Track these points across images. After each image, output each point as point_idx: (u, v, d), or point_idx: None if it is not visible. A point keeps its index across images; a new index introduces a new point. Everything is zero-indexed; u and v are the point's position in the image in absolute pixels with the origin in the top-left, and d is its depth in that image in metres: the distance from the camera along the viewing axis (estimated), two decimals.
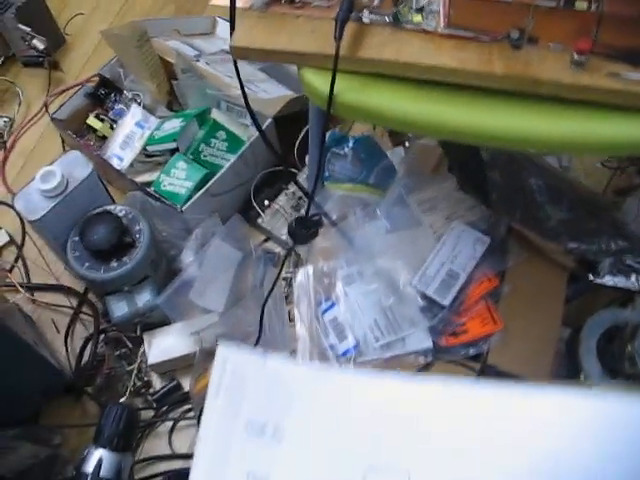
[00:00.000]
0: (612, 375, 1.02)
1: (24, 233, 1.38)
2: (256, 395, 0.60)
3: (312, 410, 0.59)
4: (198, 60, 1.39)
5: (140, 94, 1.39)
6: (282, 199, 1.32)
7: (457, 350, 1.08)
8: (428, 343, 1.06)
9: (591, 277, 1.13)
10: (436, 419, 0.59)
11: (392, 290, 1.07)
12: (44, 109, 1.50)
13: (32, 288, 1.33)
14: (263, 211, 1.32)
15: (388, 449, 0.58)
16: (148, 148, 1.31)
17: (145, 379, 1.21)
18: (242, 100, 0.96)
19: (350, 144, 1.17)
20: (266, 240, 1.32)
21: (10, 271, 1.35)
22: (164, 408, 1.19)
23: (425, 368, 1.03)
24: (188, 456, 1.12)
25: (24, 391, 1.15)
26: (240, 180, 1.30)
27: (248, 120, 1.33)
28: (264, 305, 1.05)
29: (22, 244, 1.37)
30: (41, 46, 1.53)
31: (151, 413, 1.19)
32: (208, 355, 1.09)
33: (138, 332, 1.20)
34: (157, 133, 1.32)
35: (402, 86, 0.83)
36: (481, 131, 0.81)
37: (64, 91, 1.50)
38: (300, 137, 1.32)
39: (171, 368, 1.21)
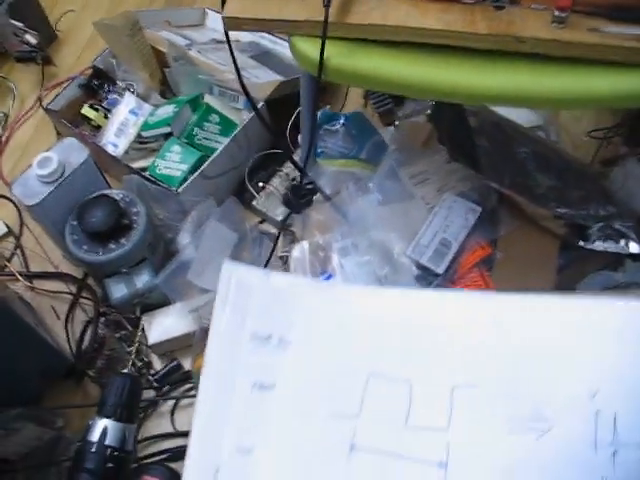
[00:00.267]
0: None
1: (22, 223, 1.39)
2: (261, 308, 0.62)
3: (316, 321, 0.61)
4: (190, 49, 1.41)
5: (133, 83, 1.41)
6: (276, 181, 1.34)
7: None
8: None
9: (581, 243, 1.15)
10: (436, 328, 0.61)
11: (386, 260, 1.09)
12: (38, 103, 1.52)
13: (31, 276, 1.34)
14: (258, 193, 1.34)
15: (390, 358, 0.60)
16: (143, 134, 1.33)
17: (146, 360, 1.22)
18: (234, 84, 0.99)
19: (341, 121, 1.19)
20: (261, 222, 1.34)
21: (9, 260, 1.36)
22: (165, 388, 1.20)
23: None
24: None
25: (26, 374, 1.16)
26: (234, 163, 1.32)
27: (241, 104, 1.35)
28: None
29: (20, 234, 1.39)
30: (33, 41, 1.55)
31: (152, 393, 1.20)
32: (207, 333, 1.10)
33: (137, 314, 1.21)
34: (151, 119, 1.34)
35: (389, 50, 0.86)
36: (467, 90, 0.83)
37: (58, 85, 1.52)
38: (292, 120, 1.33)
39: (171, 348, 1.22)
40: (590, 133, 1.25)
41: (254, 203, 1.33)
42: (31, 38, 1.55)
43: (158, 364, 1.24)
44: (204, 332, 1.16)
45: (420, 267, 1.10)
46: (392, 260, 1.09)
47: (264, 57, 1.44)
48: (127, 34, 1.36)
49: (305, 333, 0.61)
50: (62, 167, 1.19)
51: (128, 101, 1.37)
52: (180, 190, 1.23)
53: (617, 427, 0.56)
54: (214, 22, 1.56)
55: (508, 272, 1.12)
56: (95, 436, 0.94)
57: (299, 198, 1.07)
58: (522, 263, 1.12)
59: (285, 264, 1.23)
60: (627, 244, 1.14)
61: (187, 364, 1.21)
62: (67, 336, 1.28)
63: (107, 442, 0.93)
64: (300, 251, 1.13)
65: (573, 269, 1.17)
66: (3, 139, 1.53)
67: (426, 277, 1.09)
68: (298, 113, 1.26)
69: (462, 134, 1.07)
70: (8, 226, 1.41)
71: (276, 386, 0.60)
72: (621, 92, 0.81)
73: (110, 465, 0.93)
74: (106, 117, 1.41)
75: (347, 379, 0.60)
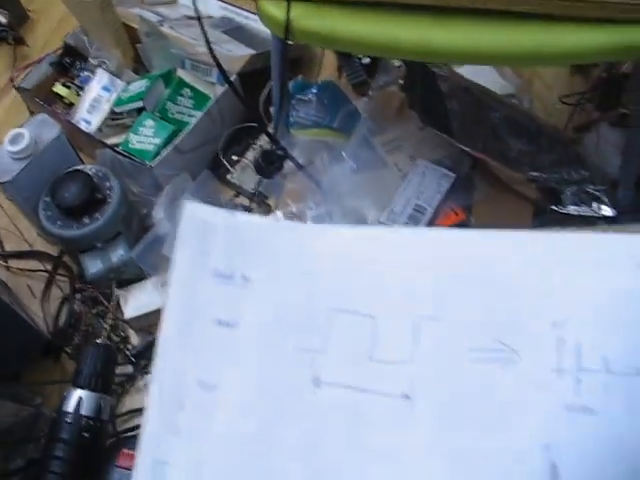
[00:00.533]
0: None
1: None
2: (223, 246, 0.62)
3: (279, 258, 0.61)
4: (162, 24, 1.40)
5: (105, 61, 1.40)
6: (250, 154, 1.34)
7: None
8: None
9: (555, 207, 1.15)
10: (400, 264, 0.61)
11: None
12: (10, 83, 1.50)
13: (6, 256, 1.33)
14: (232, 167, 1.33)
15: (354, 294, 0.60)
16: (115, 109, 1.33)
17: (123, 335, 1.22)
18: (207, 58, 0.98)
19: (314, 90, 1.19)
20: (236, 195, 1.33)
21: None
22: (143, 362, 1.20)
23: None
24: None
25: (3, 352, 1.15)
26: (208, 137, 1.32)
27: (213, 78, 1.34)
28: None
29: None
30: (4, 20, 1.54)
31: (130, 368, 1.20)
32: None
33: (113, 289, 1.21)
34: (123, 94, 1.33)
35: (355, 10, 0.86)
36: (431, 47, 0.83)
37: (30, 65, 1.50)
38: (265, 93, 1.33)
39: (148, 323, 1.22)
40: (562, 99, 1.26)
41: (229, 177, 1.33)
42: (1, 17, 1.54)
43: (136, 339, 1.23)
44: None
45: None
46: None
47: (237, 32, 1.43)
48: (98, 10, 1.34)
49: (268, 270, 0.61)
50: (34, 143, 1.18)
51: (100, 78, 1.36)
52: (154, 164, 1.23)
53: (581, 354, 0.57)
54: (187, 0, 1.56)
55: None
56: (70, 407, 0.94)
57: (270, 164, 1.07)
58: (496, 228, 1.12)
59: None
60: (600, 207, 1.15)
61: None
62: (44, 314, 1.28)
63: (82, 412, 0.93)
64: (275, 220, 1.13)
65: None
66: None
67: None
68: (271, 86, 1.25)
69: (433, 99, 1.08)
70: None
71: (239, 323, 0.60)
72: (584, 48, 0.81)
73: (86, 435, 0.93)
74: (78, 95, 1.40)
75: (311, 316, 0.60)
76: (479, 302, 0.59)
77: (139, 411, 1.18)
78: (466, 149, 1.10)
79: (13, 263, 1.34)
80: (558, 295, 0.59)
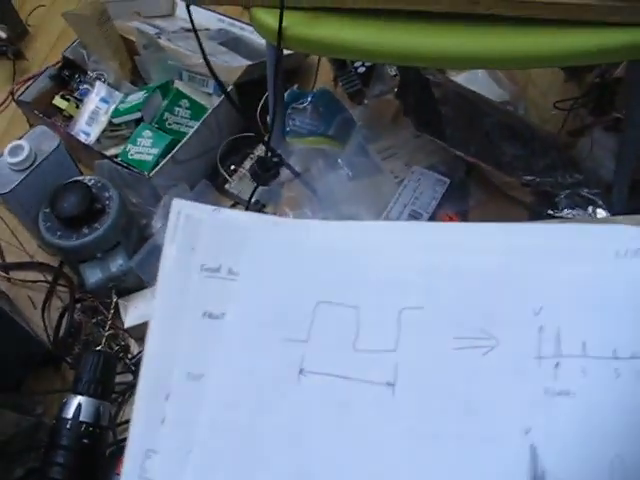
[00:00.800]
0: None
1: None
2: (209, 240, 0.63)
3: (264, 251, 0.62)
4: (159, 37, 1.42)
5: (104, 73, 1.42)
6: (248, 164, 1.35)
7: None
8: None
9: (550, 211, 1.16)
10: (384, 255, 0.62)
11: None
12: (10, 97, 1.52)
13: (6, 267, 1.34)
14: (230, 176, 1.34)
15: (338, 285, 0.61)
16: (114, 120, 1.34)
17: (123, 344, 1.22)
18: (204, 69, 1.00)
19: (309, 99, 1.20)
20: (234, 205, 1.34)
21: None
22: None
23: None
24: None
25: (4, 363, 1.16)
26: (205, 147, 1.33)
27: (210, 88, 1.36)
28: None
29: None
30: (3, 35, 1.56)
31: (130, 377, 1.21)
32: None
33: (113, 298, 1.22)
34: (122, 106, 1.35)
35: (347, 17, 0.87)
36: (422, 53, 0.84)
37: (30, 79, 1.52)
38: (262, 103, 1.34)
39: None
40: (556, 104, 1.27)
41: (227, 186, 1.34)
42: (1, 32, 1.55)
43: (136, 348, 1.24)
44: None
45: None
46: None
47: (233, 43, 1.45)
48: (96, 24, 1.36)
49: (254, 263, 0.62)
50: (33, 155, 1.20)
51: (99, 90, 1.38)
52: (152, 175, 1.24)
53: (560, 340, 0.58)
54: (184, 12, 1.56)
55: None
56: (69, 413, 0.95)
57: (265, 171, 1.08)
58: None
59: None
60: (594, 211, 1.16)
61: None
62: (44, 324, 1.29)
63: (82, 418, 0.94)
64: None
65: None
66: None
67: None
68: (267, 97, 1.27)
69: (427, 105, 1.09)
70: None
71: (226, 315, 0.61)
72: (573, 50, 0.82)
73: (85, 441, 0.93)
74: (78, 107, 1.42)
75: (295, 307, 0.61)
76: (462, 292, 0.61)
77: None
78: (460, 154, 1.11)
79: (14, 274, 1.35)
80: (538, 283, 0.60)
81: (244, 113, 1.27)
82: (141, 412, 0.60)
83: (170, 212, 0.62)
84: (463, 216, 1.16)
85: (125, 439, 1.08)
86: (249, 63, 1.36)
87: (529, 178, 1.12)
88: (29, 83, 1.47)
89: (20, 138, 1.21)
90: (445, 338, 0.60)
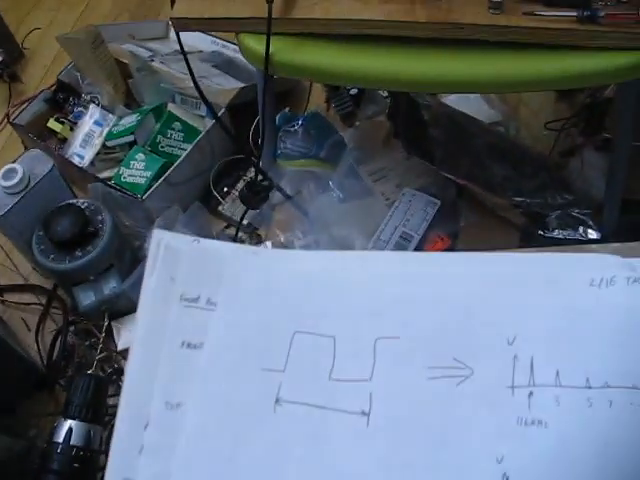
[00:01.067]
0: None
1: None
2: (189, 271, 0.64)
3: (242, 282, 0.63)
4: (152, 60, 1.43)
5: (98, 96, 1.42)
6: (241, 186, 1.35)
7: None
8: None
9: (541, 232, 1.17)
10: (360, 285, 0.63)
11: None
12: (5, 120, 1.53)
13: (1, 290, 1.35)
14: (223, 198, 1.35)
15: (315, 315, 0.62)
16: (107, 143, 1.35)
17: (116, 366, 1.22)
18: (196, 92, 1.01)
19: (300, 121, 1.21)
20: (227, 227, 1.35)
21: None
22: None
23: None
24: None
25: None
26: (198, 169, 1.33)
27: (203, 111, 1.37)
28: None
29: None
30: None
31: None
32: None
33: (106, 321, 1.22)
34: (115, 129, 1.36)
35: (334, 43, 0.88)
36: (408, 77, 0.85)
37: (25, 101, 1.53)
38: (254, 126, 1.35)
39: None
40: (547, 125, 1.27)
41: (220, 208, 1.35)
42: None
43: None
44: None
45: None
46: None
47: (227, 65, 1.46)
48: (90, 47, 1.37)
49: (232, 294, 0.63)
50: (27, 178, 1.20)
51: (92, 112, 1.39)
52: (145, 197, 1.25)
53: (533, 370, 0.59)
54: None
55: None
56: (60, 437, 0.95)
57: (255, 194, 1.09)
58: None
59: None
60: (585, 231, 1.16)
61: None
62: (38, 347, 1.29)
63: (72, 442, 0.94)
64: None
65: None
66: None
67: None
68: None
69: (417, 127, 1.10)
70: None
71: (204, 344, 0.62)
72: (559, 74, 0.83)
73: (76, 465, 0.93)
74: (72, 130, 1.42)
75: (272, 337, 0.62)
76: (436, 321, 0.61)
77: None
78: (450, 177, 1.11)
79: (8, 296, 1.35)
80: (512, 313, 0.61)
81: (236, 136, 1.28)
82: (120, 441, 0.60)
83: (150, 243, 0.63)
84: (454, 237, 1.16)
85: None
86: (242, 85, 1.37)
87: (519, 199, 1.12)
88: (24, 106, 1.48)
89: (14, 161, 1.22)
90: (419, 367, 0.60)
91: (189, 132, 1.34)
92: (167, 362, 0.62)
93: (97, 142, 1.37)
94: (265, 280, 0.64)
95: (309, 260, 0.66)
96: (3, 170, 1.19)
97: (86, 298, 1.22)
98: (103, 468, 1.05)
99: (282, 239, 1.14)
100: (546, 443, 0.57)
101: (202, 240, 0.66)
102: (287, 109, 1.30)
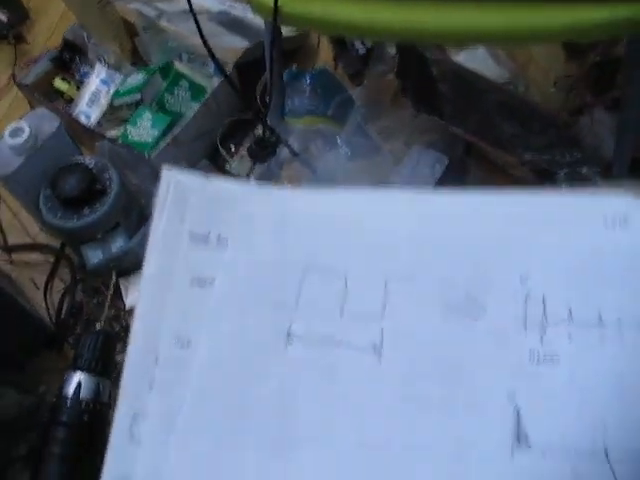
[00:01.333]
0: None
1: None
2: (199, 208, 0.64)
3: (253, 219, 0.63)
4: (160, 19, 1.41)
5: (104, 55, 1.42)
6: (248, 144, 1.35)
7: None
8: None
9: None
10: (372, 225, 0.63)
11: None
12: (12, 81, 1.52)
13: (9, 249, 1.35)
14: (230, 157, 1.35)
15: (326, 253, 0.62)
16: (114, 102, 1.34)
17: (124, 323, 1.23)
18: (203, 50, 1.00)
19: (307, 79, 1.20)
20: None
21: None
22: None
23: None
24: None
25: (7, 344, 1.17)
26: (206, 127, 1.33)
27: (211, 69, 1.36)
28: None
29: None
30: (4, 19, 1.56)
31: None
32: None
33: (114, 278, 1.23)
34: (122, 88, 1.35)
35: None
36: (414, 27, 0.84)
37: (31, 62, 1.52)
38: (261, 84, 1.34)
39: None
40: (556, 84, 1.26)
41: (227, 167, 1.34)
42: (2, 16, 1.55)
43: None
44: None
45: None
46: None
47: (234, 24, 1.44)
48: (96, 6, 1.36)
49: (243, 231, 0.63)
50: (34, 136, 1.20)
51: (99, 71, 1.38)
52: (152, 155, 1.24)
53: (546, 307, 0.59)
54: None
55: None
56: (70, 390, 0.95)
57: (263, 149, 1.09)
58: None
59: None
60: None
61: None
62: (46, 305, 1.29)
63: (82, 395, 0.94)
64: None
65: None
66: None
67: None
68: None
69: (425, 84, 1.09)
70: None
71: (215, 281, 0.62)
72: (571, 25, 0.82)
73: (85, 417, 0.94)
74: (78, 89, 1.42)
75: (284, 274, 0.62)
76: (449, 260, 0.61)
77: None
78: (459, 132, 1.11)
79: (16, 256, 1.35)
80: (525, 251, 0.61)
81: (243, 94, 1.27)
82: (130, 376, 0.61)
83: (160, 181, 0.63)
84: None
85: None
86: (249, 44, 1.35)
87: (528, 156, 1.12)
88: (30, 66, 1.47)
89: (20, 120, 1.21)
90: (432, 305, 0.61)
91: (196, 91, 1.33)
92: (177, 298, 0.62)
93: (104, 101, 1.36)
94: (278, 218, 0.64)
95: (323, 199, 0.66)
96: (10, 129, 1.19)
97: (94, 256, 1.22)
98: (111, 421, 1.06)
99: None
100: (558, 379, 0.57)
101: (212, 178, 0.65)
102: (294, 66, 1.29)
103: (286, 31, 0.92)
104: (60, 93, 1.43)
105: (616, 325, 0.57)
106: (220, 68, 1.11)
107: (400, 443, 0.58)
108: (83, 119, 1.35)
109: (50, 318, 1.28)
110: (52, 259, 1.34)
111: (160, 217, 0.64)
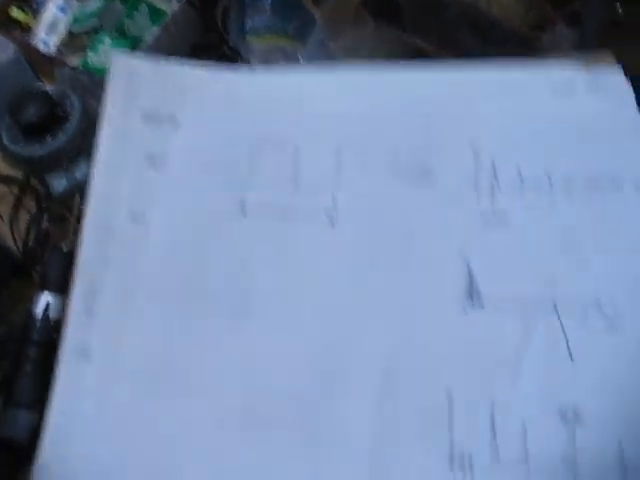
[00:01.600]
0: None
1: None
2: (151, 90, 0.64)
3: (205, 98, 0.64)
4: None
5: None
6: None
7: None
8: None
9: None
10: (321, 99, 0.64)
11: None
12: None
13: None
14: None
15: (277, 127, 0.63)
16: (73, 29, 1.32)
17: None
18: None
19: None
20: None
21: None
22: None
23: None
24: None
25: None
26: (166, 52, 1.30)
27: None
28: None
29: None
30: None
31: None
32: None
33: (78, 203, 1.22)
34: (80, 14, 1.33)
35: None
36: None
37: None
38: (222, 5, 1.33)
39: None
40: None
41: None
42: None
43: None
44: None
45: None
46: None
47: None
48: None
49: (194, 111, 0.64)
50: None
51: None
52: None
53: (496, 169, 0.61)
54: None
55: None
56: (39, 309, 0.96)
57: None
58: None
59: None
60: None
61: None
62: (13, 236, 1.28)
63: (51, 314, 0.95)
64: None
65: None
66: None
67: None
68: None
69: None
70: None
71: (168, 158, 0.63)
72: None
73: (55, 336, 0.94)
74: (35, 18, 1.39)
75: (236, 149, 0.63)
76: (400, 128, 0.62)
77: None
78: (420, 44, 1.10)
79: None
80: (476, 119, 0.62)
81: (204, 16, 1.25)
82: (86, 253, 0.62)
83: (111, 67, 0.62)
84: None
85: None
86: None
87: None
88: None
89: None
90: (384, 173, 0.62)
91: (156, 15, 1.31)
92: (131, 178, 0.63)
93: (62, 29, 1.34)
94: (229, 97, 0.65)
95: (275, 77, 0.66)
96: None
97: (59, 185, 1.22)
98: None
99: None
100: (508, 239, 0.60)
101: (163, 62, 0.65)
102: None
103: None
104: (17, 22, 1.41)
105: (565, 186, 0.58)
106: None
107: (354, 304, 0.60)
108: (42, 47, 1.32)
109: (17, 248, 1.28)
110: (16, 190, 1.32)
111: (112, 101, 0.64)
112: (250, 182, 0.62)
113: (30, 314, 0.97)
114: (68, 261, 0.99)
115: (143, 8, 1.30)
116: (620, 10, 1.13)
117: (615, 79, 0.60)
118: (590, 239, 0.59)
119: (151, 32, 1.29)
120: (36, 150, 1.17)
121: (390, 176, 0.62)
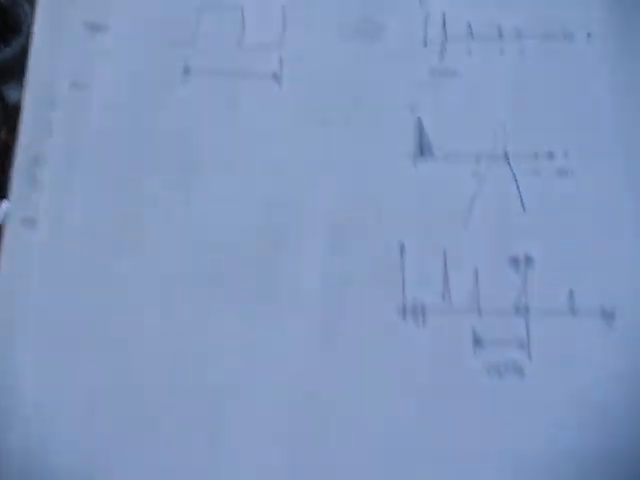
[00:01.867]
0: None
1: None
2: None
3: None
4: None
5: None
6: None
7: None
8: None
9: None
10: None
11: None
12: None
13: None
14: None
15: None
16: None
17: None
18: None
19: None
20: None
21: None
22: None
23: None
24: None
25: None
26: None
27: None
28: None
29: None
30: None
31: None
32: None
33: None
34: None
35: None
36: None
37: None
38: None
39: None
40: None
41: None
42: None
43: None
44: None
45: None
46: None
47: None
48: None
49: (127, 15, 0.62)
50: None
51: None
52: None
53: (446, 24, 0.60)
54: None
55: None
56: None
57: None
58: None
59: None
60: None
61: None
62: None
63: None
64: None
65: None
66: None
67: None
68: None
69: None
70: None
71: (109, 25, 0.62)
72: None
73: None
74: None
75: (179, 11, 0.62)
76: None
77: None
78: None
79: None
80: None
81: None
82: (28, 122, 0.60)
83: None
84: None
85: None
86: None
87: None
88: None
89: None
90: (331, 29, 0.61)
91: None
92: (71, 44, 0.61)
93: None
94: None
95: None
96: None
97: (14, 95, 1.19)
98: None
99: None
100: (459, 90, 0.59)
101: None
102: None
103: None
104: None
105: (515, 37, 0.58)
106: None
107: (304, 160, 0.59)
108: None
109: None
110: None
111: None
112: (194, 45, 0.61)
113: None
114: None
115: None
116: None
117: None
118: (542, 91, 0.58)
119: None
120: None
121: (338, 32, 0.61)
